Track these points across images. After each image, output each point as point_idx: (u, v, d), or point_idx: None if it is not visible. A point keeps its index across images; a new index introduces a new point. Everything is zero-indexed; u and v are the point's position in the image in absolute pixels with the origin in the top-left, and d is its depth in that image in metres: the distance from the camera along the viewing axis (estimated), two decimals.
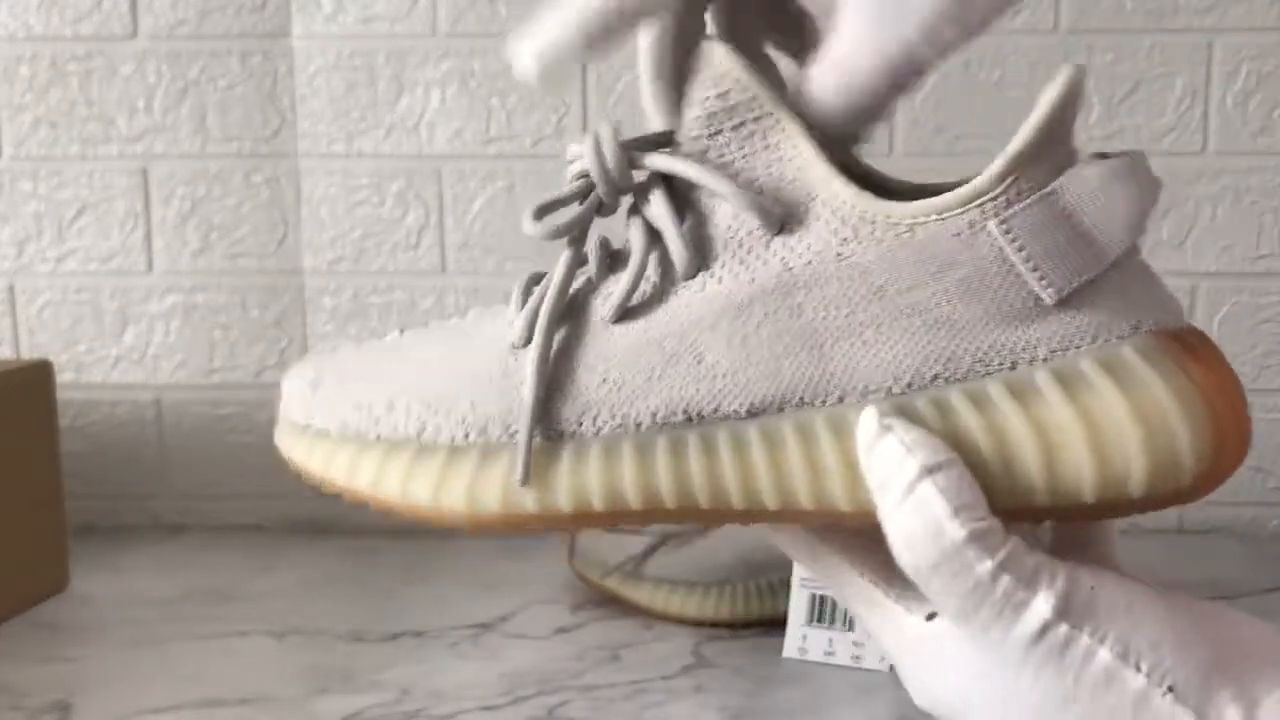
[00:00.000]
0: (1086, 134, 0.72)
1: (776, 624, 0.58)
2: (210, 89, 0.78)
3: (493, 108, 0.77)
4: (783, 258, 0.32)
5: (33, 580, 0.65)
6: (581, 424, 0.33)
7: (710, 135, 0.33)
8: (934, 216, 0.30)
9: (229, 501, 0.81)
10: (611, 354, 0.33)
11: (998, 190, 0.30)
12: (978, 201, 0.30)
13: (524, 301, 0.36)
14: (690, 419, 0.33)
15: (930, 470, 0.30)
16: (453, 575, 0.69)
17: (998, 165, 0.30)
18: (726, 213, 0.33)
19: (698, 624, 0.60)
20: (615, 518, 0.34)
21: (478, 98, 0.77)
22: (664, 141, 0.35)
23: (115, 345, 0.80)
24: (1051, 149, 0.30)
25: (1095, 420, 0.30)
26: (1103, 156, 0.31)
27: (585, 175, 0.35)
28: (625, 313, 0.34)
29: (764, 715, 0.50)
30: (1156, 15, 0.74)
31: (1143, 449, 0.30)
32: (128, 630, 0.61)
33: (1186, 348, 0.31)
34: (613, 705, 0.51)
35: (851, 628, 0.55)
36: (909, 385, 0.31)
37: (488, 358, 0.35)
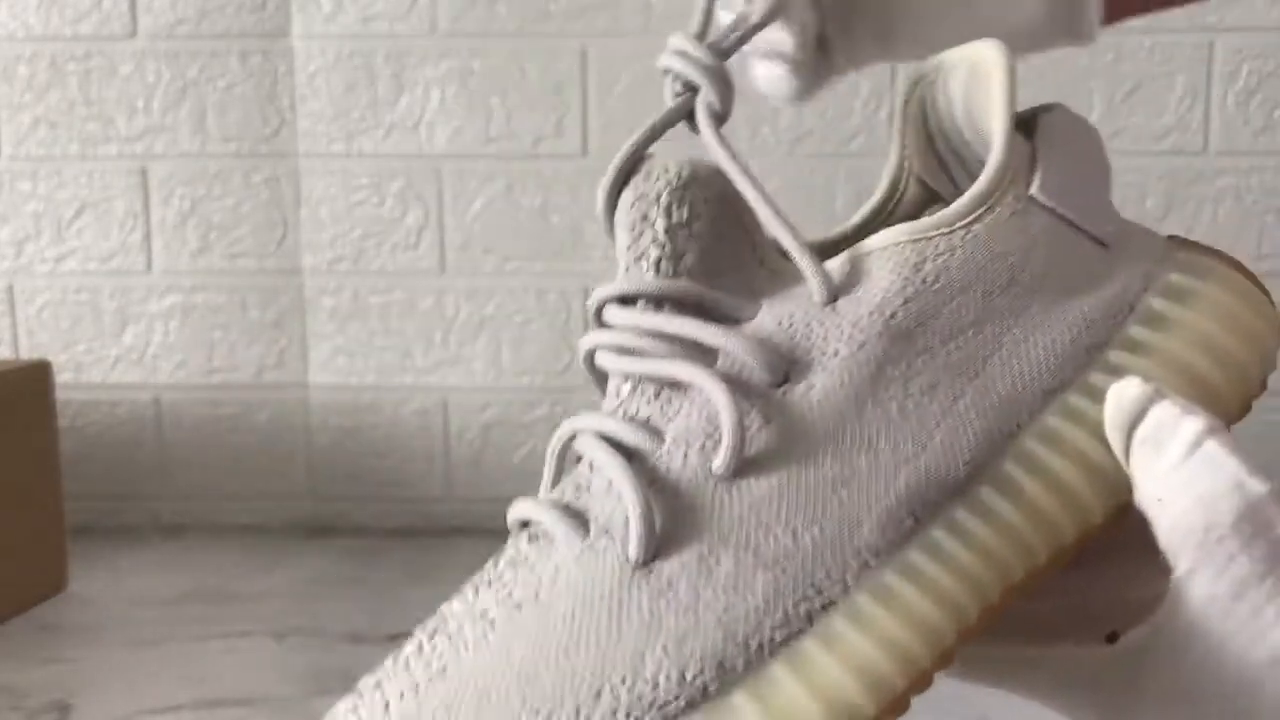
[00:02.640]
0: None
1: None
2: (210, 89, 0.78)
3: (493, 107, 0.77)
4: (871, 311, 0.28)
5: (32, 580, 0.65)
6: (822, 590, 0.26)
7: (702, 273, 0.29)
8: (980, 209, 0.29)
9: (229, 501, 0.81)
10: (772, 504, 0.27)
11: (1011, 169, 0.30)
12: (1006, 180, 0.29)
13: (578, 529, 0.27)
14: (918, 518, 0.27)
15: (1212, 430, 0.28)
16: (453, 575, 0.68)
17: (999, 145, 0.30)
18: (763, 317, 0.28)
19: None
20: (935, 665, 0.27)
21: (477, 97, 0.77)
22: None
23: (114, 345, 0.80)
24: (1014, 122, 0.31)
25: (1225, 313, 0.30)
26: (1028, 120, 0.31)
27: (689, 87, 0.30)
28: (743, 462, 0.27)
29: None
30: (1157, 15, 0.74)
31: (1259, 319, 0.31)
32: (128, 630, 0.61)
33: (1205, 251, 0.32)
34: None
35: None
36: (1075, 368, 0.29)
37: (614, 602, 0.26)
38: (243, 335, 0.80)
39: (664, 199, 0.29)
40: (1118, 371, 0.29)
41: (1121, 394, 0.29)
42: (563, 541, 0.26)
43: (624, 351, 0.28)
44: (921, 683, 0.27)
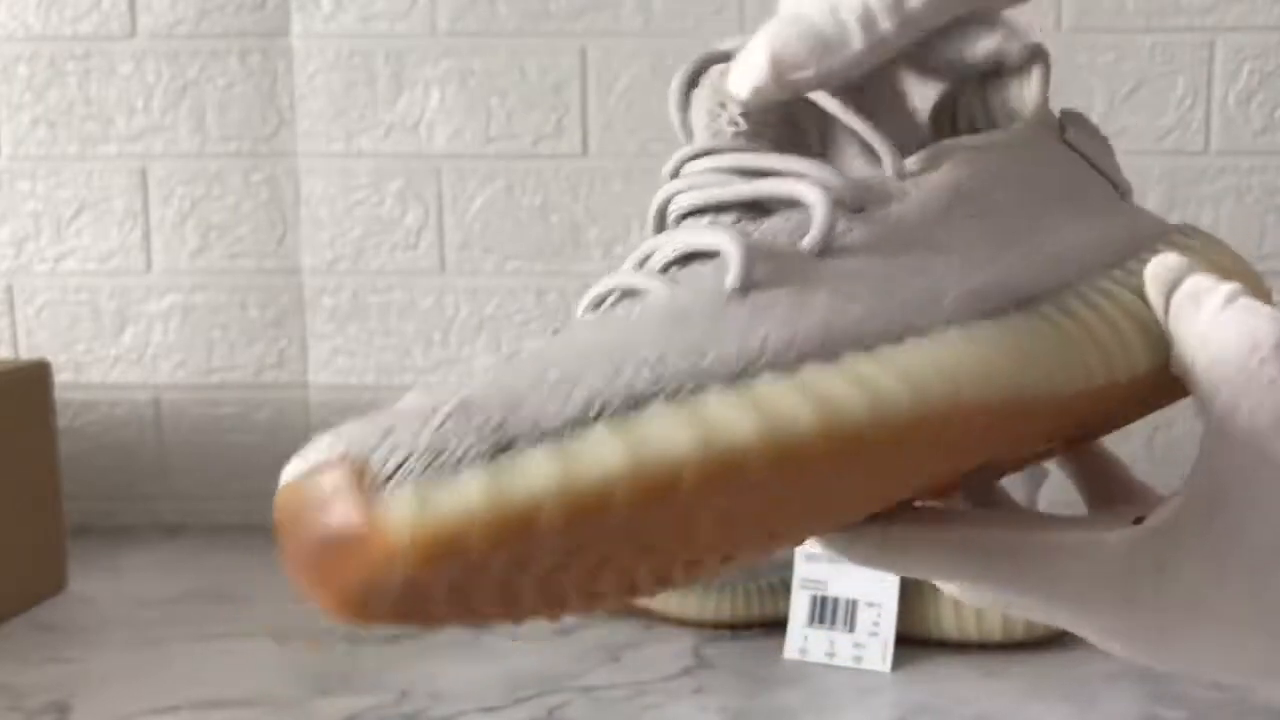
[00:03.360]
0: None
1: (777, 625, 0.58)
2: (209, 88, 0.78)
3: (492, 107, 0.77)
4: (941, 179, 0.30)
5: (32, 580, 0.65)
6: (914, 323, 0.26)
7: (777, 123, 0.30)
8: (1024, 135, 0.32)
9: (229, 501, 0.81)
10: (865, 271, 0.27)
11: (1048, 117, 0.33)
12: (1046, 121, 0.33)
13: (664, 279, 0.27)
14: (988, 308, 0.28)
15: (1244, 290, 0.30)
16: None
17: (1037, 78, 0.33)
18: (835, 170, 0.29)
19: (698, 625, 0.60)
20: (1005, 415, 0.27)
21: (477, 97, 0.77)
22: None
23: (114, 345, 0.80)
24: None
25: (1225, 255, 0.34)
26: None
27: None
28: (832, 246, 0.27)
29: (764, 716, 0.50)
30: (1158, 15, 0.74)
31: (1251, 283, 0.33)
32: (127, 630, 0.61)
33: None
34: (613, 706, 0.51)
35: (853, 629, 0.55)
36: (1115, 255, 0.32)
37: (714, 306, 0.25)
38: (242, 335, 0.80)
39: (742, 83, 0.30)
40: (1139, 273, 0.32)
41: (1162, 260, 0.31)
42: (657, 290, 0.26)
43: (706, 188, 0.29)
44: (977, 416, 0.26)
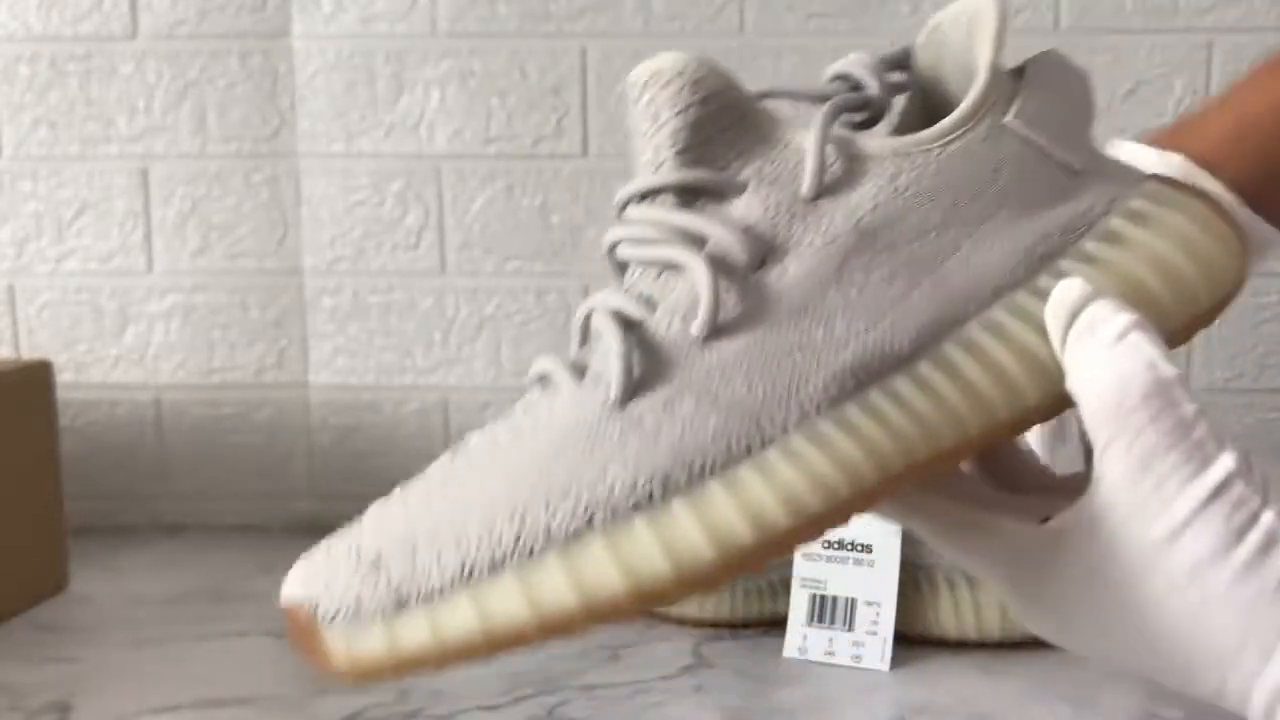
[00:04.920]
0: None
1: (776, 624, 0.58)
2: (210, 89, 0.78)
3: (493, 108, 0.77)
4: (845, 214, 0.33)
5: (32, 580, 0.65)
6: (764, 430, 0.30)
7: (699, 144, 0.34)
8: (957, 132, 0.33)
9: (229, 501, 0.81)
10: (736, 362, 0.31)
11: (991, 98, 0.34)
12: (984, 109, 0.34)
13: (579, 374, 0.32)
14: (860, 381, 0.31)
15: (1141, 325, 0.32)
16: None
17: (982, 77, 0.34)
18: (750, 202, 0.33)
19: (698, 624, 0.60)
20: (856, 503, 0.30)
21: (478, 98, 0.77)
22: (899, 62, 0.37)
23: (115, 345, 0.80)
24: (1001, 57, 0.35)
25: (1180, 238, 0.34)
26: (1022, 65, 0.36)
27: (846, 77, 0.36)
28: (718, 327, 0.32)
29: (764, 715, 0.50)
30: (1156, 15, 0.74)
31: (1219, 248, 0.35)
32: (128, 630, 0.61)
33: (1171, 183, 0.36)
34: (613, 705, 0.51)
35: (852, 628, 0.55)
36: (1026, 271, 0.33)
37: (594, 430, 0.31)
38: (243, 335, 0.80)
39: (673, 97, 0.33)
40: (1065, 277, 0.33)
41: (1065, 290, 0.32)
42: (564, 386, 0.32)
43: (636, 241, 0.34)
44: (840, 514, 0.30)
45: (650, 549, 0.29)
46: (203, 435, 0.81)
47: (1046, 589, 0.33)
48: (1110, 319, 0.31)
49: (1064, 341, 0.32)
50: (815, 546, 0.56)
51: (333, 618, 0.30)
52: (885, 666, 0.55)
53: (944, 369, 0.32)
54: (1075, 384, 0.32)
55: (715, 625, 0.60)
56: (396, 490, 0.32)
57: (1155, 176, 0.36)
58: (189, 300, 0.80)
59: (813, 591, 0.56)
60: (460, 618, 0.29)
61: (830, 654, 0.55)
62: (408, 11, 0.77)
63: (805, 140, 0.33)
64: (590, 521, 0.29)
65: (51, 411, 0.68)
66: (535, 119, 0.77)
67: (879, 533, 0.56)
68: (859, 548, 0.56)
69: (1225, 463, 0.30)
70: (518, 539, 0.29)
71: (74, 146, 0.79)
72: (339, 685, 0.53)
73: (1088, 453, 0.35)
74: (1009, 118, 0.34)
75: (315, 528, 0.81)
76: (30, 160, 0.79)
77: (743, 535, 0.29)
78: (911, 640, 0.56)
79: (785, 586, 0.58)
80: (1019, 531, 0.33)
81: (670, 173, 0.33)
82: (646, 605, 0.29)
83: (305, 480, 0.81)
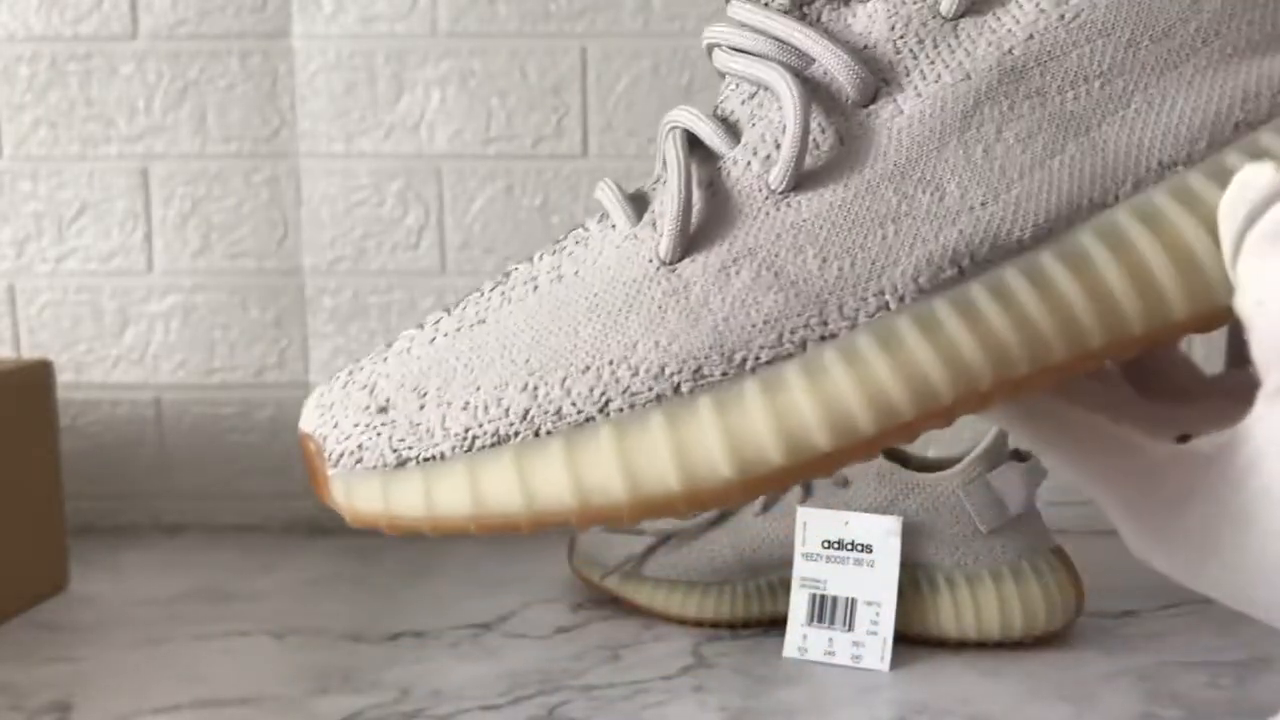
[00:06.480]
0: None
1: (776, 624, 0.58)
2: (210, 89, 0.78)
3: (493, 108, 0.77)
4: (990, 41, 0.26)
5: (33, 580, 0.65)
6: (828, 322, 0.25)
7: None
8: None
9: (229, 501, 0.81)
10: (815, 226, 0.25)
11: None
12: None
13: (638, 211, 0.27)
14: (963, 269, 0.25)
15: None
16: (453, 575, 0.69)
17: None
18: (875, 12, 0.26)
19: (698, 624, 0.60)
20: (922, 423, 0.25)
21: (478, 98, 0.77)
22: None
23: (115, 345, 0.80)
24: None
25: None
26: None
27: None
28: (803, 175, 0.26)
29: (764, 715, 0.50)
30: None
31: None
32: (128, 630, 0.61)
33: None
34: (613, 705, 0.51)
35: (852, 628, 0.55)
36: (1209, 144, 0.25)
37: (633, 291, 0.26)
38: (243, 335, 0.80)
39: None
40: (1263, 155, 0.25)
41: (1252, 177, 0.25)
42: (618, 225, 0.27)
43: (733, 49, 0.27)
44: (897, 434, 0.25)
45: (661, 453, 0.25)
46: (203, 435, 0.81)
47: (1177, 521, 0.27)
48: None
49: (1238, 247, 0.25)
50: (816, 546, 0.56)
51: (337, 460, 0.28)
52: (885, 667, 0.55)
53: (1071, 264, 0.25)
54: (1245, 305, 0.24)
55: (715, 625, 0.60)
56: (432, 316, 0.29)
57: None
58: (189, 300, 0.80)
59: (812, 591, 0.56)
60: (454, 491, 0.26)
61: (830, 654, 0.55)
62: (408, 11, 0.77)
63: None
64: (605, 409, 0.25)
65: (52, 411, 0.68)
66: (535, 119, 0.77)
67: (879, 533, 0.56)
68: (859, 548, 0.56)
69: None
70: (526, 414, 0.26)
71: (74, 146, 0.79)
72: (338, 686, 0.53)
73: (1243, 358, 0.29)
74: None
75: (315, 528, 0.81)
76: (30, 160, 0.79)
77: (770, 454, 0.25)
78: (911, 640, 0.56)
79: (785, 586, 0.58)
80: (1153, 450, 0.27)
81: None
82: (651, 515, 0.25)
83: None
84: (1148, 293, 0.25)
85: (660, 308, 0.26)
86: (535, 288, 0.27)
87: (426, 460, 0.26)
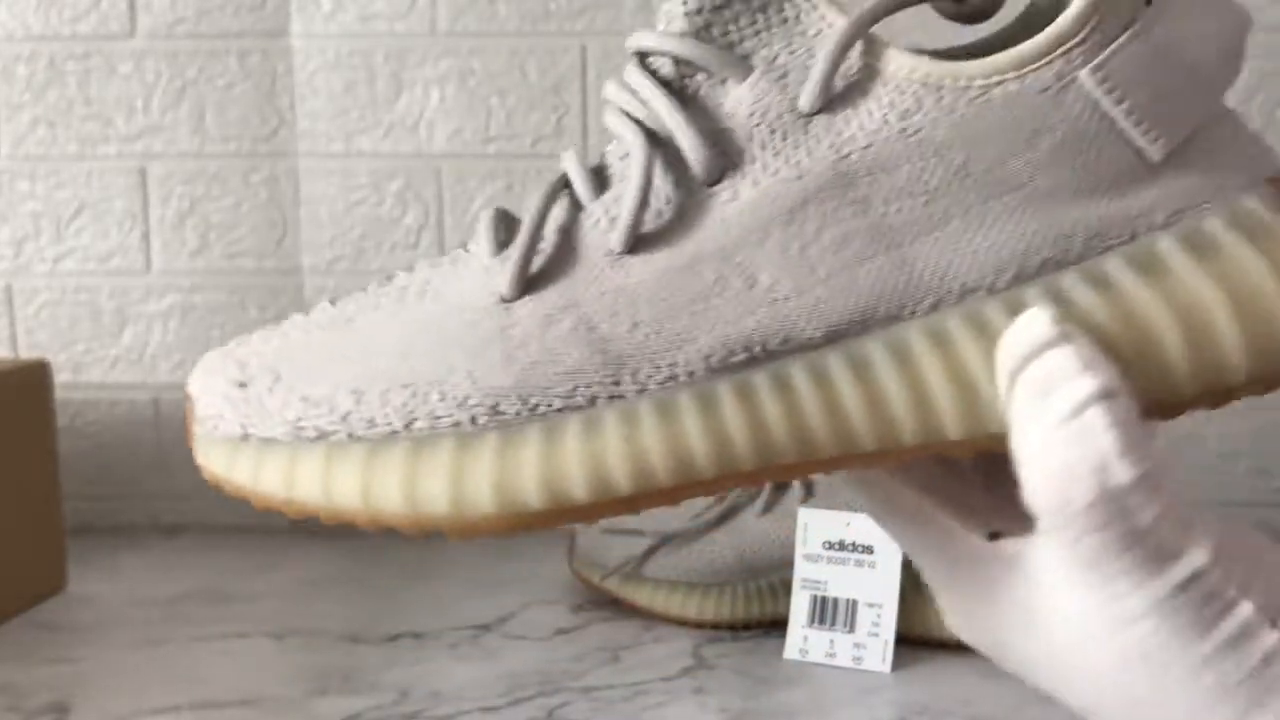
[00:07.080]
0: None
1: (777, 625, 0.58)
2: (209, 88, 0.78)
3: (492, 107, 0.77)
4: (832, 144, 0.26)
5: (32, 580, 0.65)
6: (620, 384, 0.27)
7: (713, 9, 0.27)
8: (1012, 73, 0.26)
9: (228, 501, 0.80)
10: (635, 292, 0.27)
11: (1083, 33, 0.26)
12: (1063, 49, 0.26)
13: (500, 243, 0.30)
14: (754, 357, 0.27)
15: (1106, 395, 0.25)
16: (453, 576, 0.69)
17: (1077, 5, 0.26)
18: (743, 97, 0.27)
19: (698, 625, 0.60)
20: (682, 491, 0.27)
21: (477, 97, 0.77)
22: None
23: (113, 345, 0.80)
24: None
25: (1235, 285, 0.26)
26: None
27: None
28: (639, 239, 0.27)
29: (765, 717, 0.50)
30: None
31: None
32: (127, 630, 0.61)
33: None
34: (613, 706, 0.51)
35: (853, 629, 0.55)
36: (1015, 277, 0.26)
37: (471, 319, 0.28)
38: (241, 335, 0.80)
39: None
40: (1058, 300, 0.26)
41: (1028, 323, 0.26)
42: (480, 254, 0.29)
43: (615, 109, 0.29)
44: (656, 498, 0.27)
45: (439, 479, 0.27)
46: None
47: (983, 607, 0.29)
48: (1071, 381, 0.25)
49: (1010, 388, 0.26)
50: (817, 548, 0.56)
51: (200, 423, 0.30)
52: (886, 668, 0.54)
53: (855, 369, 0.26)
54: (1015, 446, 0.26)
55: (715, 626, 0.60)
56: (320, 305, 0.31)
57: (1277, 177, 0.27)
58: (187, 300, 0.80)
59: (813, 593, 0.56)
60: (276, 474, 0.29)
61: (831, 655, 0.55)
62: (407, 11, 0.77)
63: (832, 31, 0.27)
64: (410, 425, 0.27)
65: (50, 411, 0.67)
66: (535, 118, 0.77)
67: (880, 534, 0.56)
68: (860, 549, 0.56)
69: (1192, 560, 0.25)
70: (345, 417, 0.28)
71: (72, 146, 0.79)
72: (338, 686, 0.53)
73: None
74: (1087, 70, 0.26)
75: (315, 528, 0.81)
76: (28, 160, 0.79)
77: (530, 498, 0.26)
78: (913, 642, 0.56)
79: (786, 588, 0.58)
80: (964, 541, 0.29)
81: (672, 36, 0.28)
82: (425, 533, 0.27)
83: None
84: (923, 409, 0.26)
85: (485, 342, 0.27)
86: (403, 298, 0.30)
87: (263, 440, 0.29)
